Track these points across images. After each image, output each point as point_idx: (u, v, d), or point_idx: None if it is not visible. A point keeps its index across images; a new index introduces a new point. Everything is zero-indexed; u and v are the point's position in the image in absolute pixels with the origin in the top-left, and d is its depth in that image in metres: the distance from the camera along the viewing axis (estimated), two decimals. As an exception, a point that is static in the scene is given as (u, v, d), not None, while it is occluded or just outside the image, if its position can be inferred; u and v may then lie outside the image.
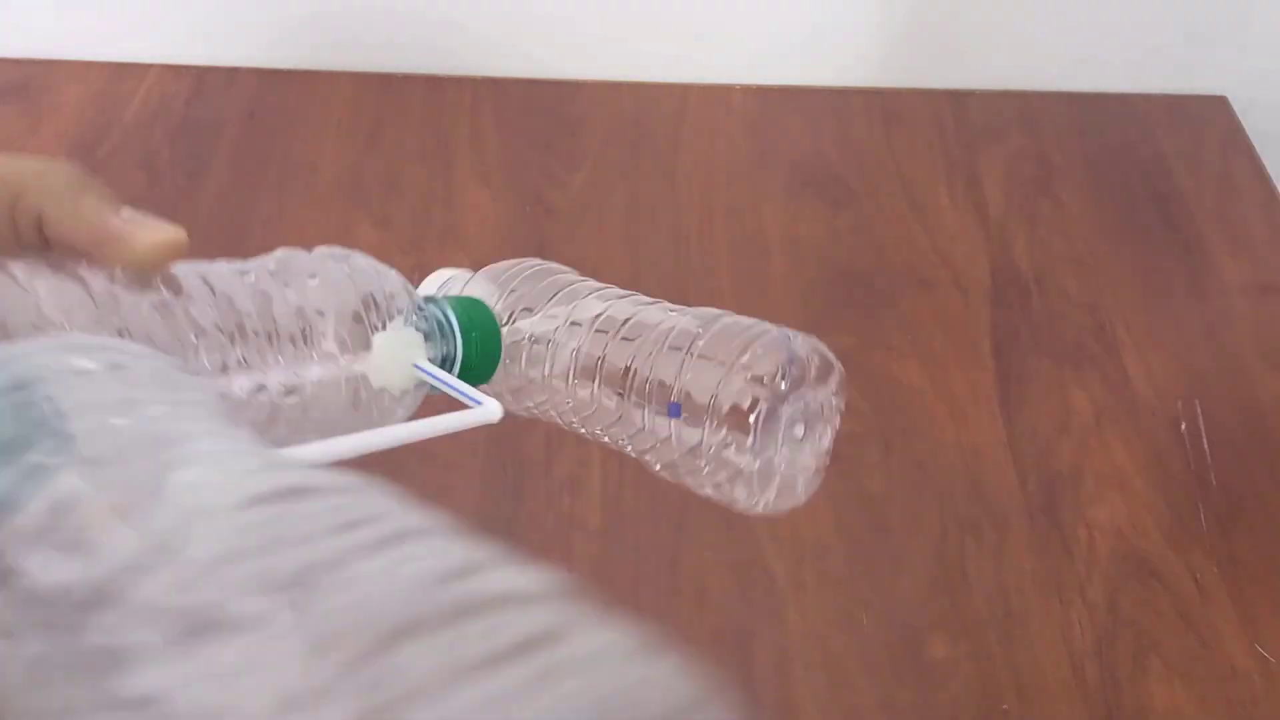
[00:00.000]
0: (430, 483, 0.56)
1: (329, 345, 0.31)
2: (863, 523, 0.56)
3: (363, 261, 0.34)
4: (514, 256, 0.39)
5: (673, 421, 0.35)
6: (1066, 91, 0.80)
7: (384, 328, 0.33)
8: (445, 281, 0.41)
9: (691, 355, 0.36)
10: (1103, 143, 0.77)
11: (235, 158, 0.73)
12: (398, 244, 0.68)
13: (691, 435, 0.36)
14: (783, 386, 0.35)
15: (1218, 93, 0.81)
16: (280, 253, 0.32)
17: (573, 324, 0.38)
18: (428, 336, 0.35)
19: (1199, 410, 0.61)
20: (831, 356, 0.36)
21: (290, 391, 0.30)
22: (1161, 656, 0.52)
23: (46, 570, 0.17)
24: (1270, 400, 0.62)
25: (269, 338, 0.30)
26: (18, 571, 0.17)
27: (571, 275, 0.41)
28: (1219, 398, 0.62)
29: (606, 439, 0.40)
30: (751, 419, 0.34)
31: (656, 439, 0.36)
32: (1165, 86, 0.81)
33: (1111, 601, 0.54)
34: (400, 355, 0.33)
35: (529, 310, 0.39)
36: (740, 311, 0.36)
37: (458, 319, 0.36)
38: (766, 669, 0.51)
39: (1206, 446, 0.60)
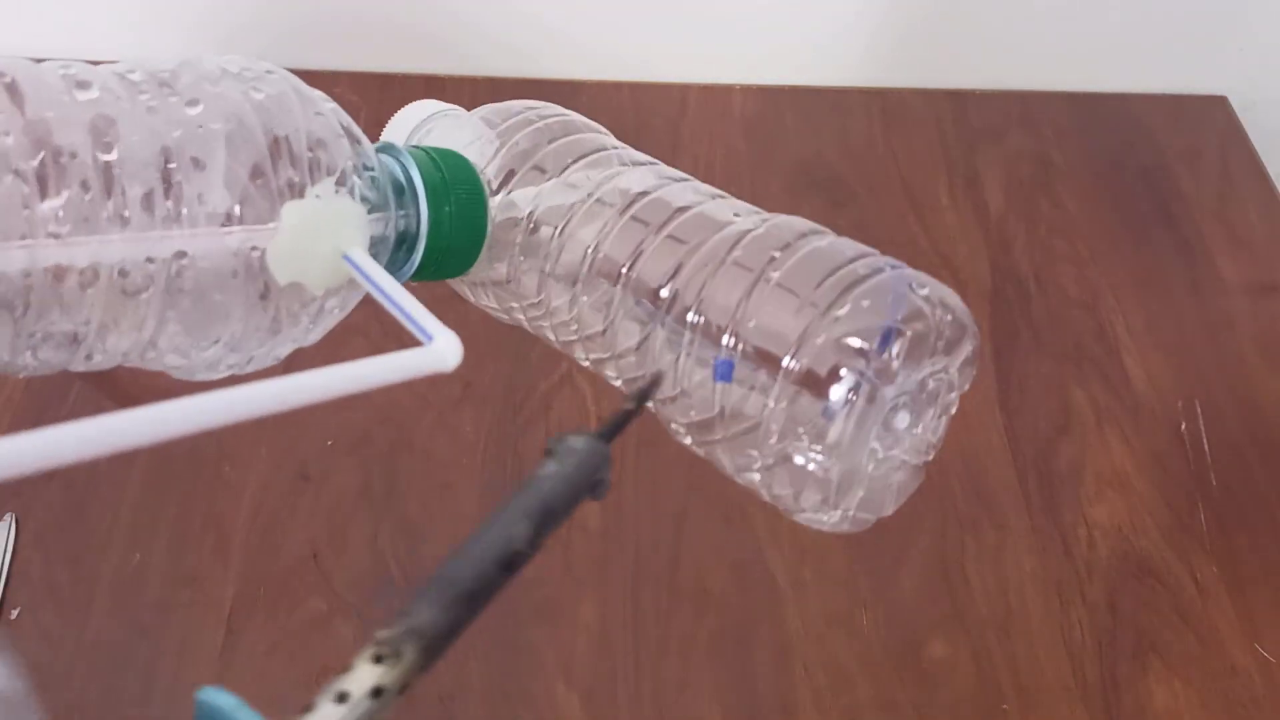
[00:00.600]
0: (430, 482, 0.56)
1: (201, 210, 0.21)
2: (863, 523, 0.56)
3: (286, 87, 0.23)
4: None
5: (719, 385, 0.25)
6: (1066, 91, 0.80)
7: (302, 193, 0.22)
8: (421, 123, 0.30)
9: (765, 284, 0.24)
10: (1103, 143, 0.77)
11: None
12: (398, 244, 0.68)
13: (745, 406, 0.25)
14: (894, 361, 0.23)
15: (1218, 93, 0.81)
16: (180, 61, 0.22)
17: (598, 202, 0.27)
18: (375, 207, 0.24)
19: (1199, 410, 0.61)
20: (966, 313, 0.26)
21: (146, 276, 0.20)
22: (1161, 656, 0.52)
23: None
24: (1270, 400, 0.62)
25: (105, 189, 0.19)
26: None
27: (604, 136, 0.29)
28: (1219, 398, 0.62)
29: (612, 376, 0.28)
30: (841, 407, 0.23)
31: (690, 399, 0.26)
32: (1165, 86, 0.81)
33: (1111, 601, 0.54)
34: (324, 237, 0.22)
35: (538, 173, 0.27)
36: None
37: (424, 182, 0.25)
38: (766, 669, 0.51)
39: (1206, 446, 0.60)
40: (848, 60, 0.80)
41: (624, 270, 0.25)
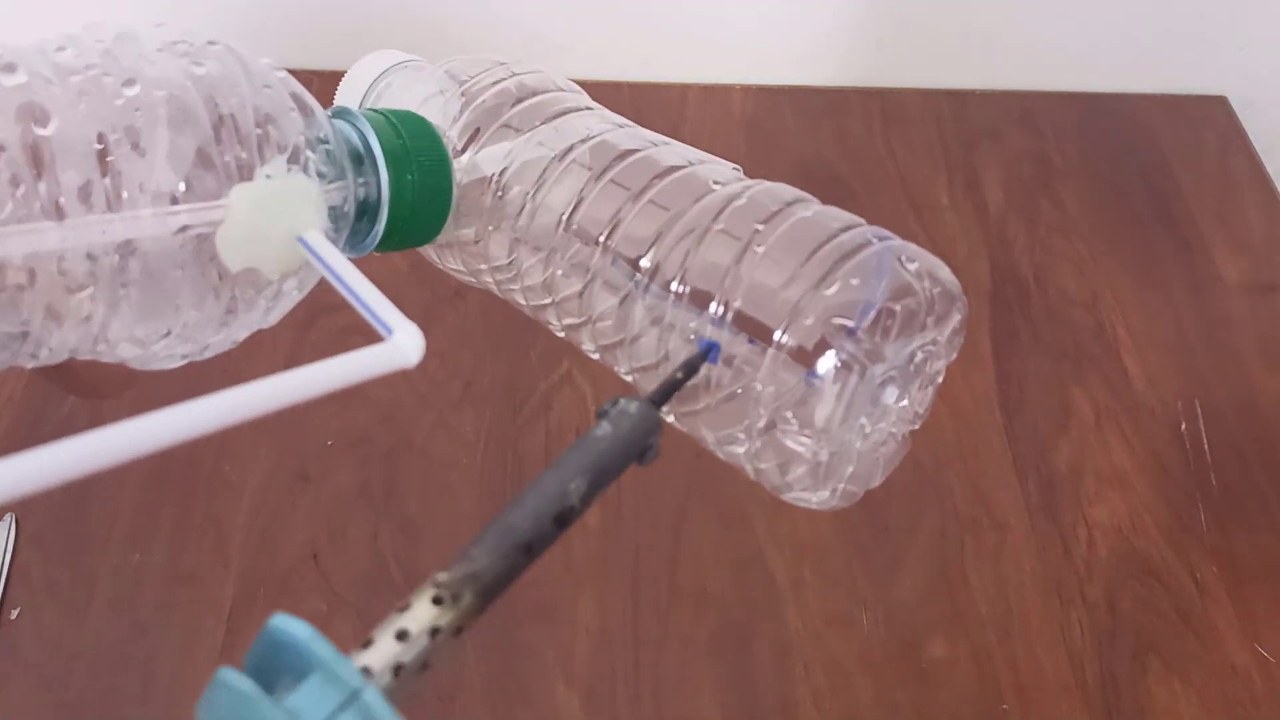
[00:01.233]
0: (430, 482, 0.56)
1: (143, 198, 0.19)
2: (863, 523, 0.56)
3: (230, 59, 0.21)
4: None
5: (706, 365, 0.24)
6: (1066, 91, 0.80)
7: (251, 174, 0.20)
8: (377, 79, 0.28)
9: (751, 257, 0.24)
10: (1103, 143, 0.77)
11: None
12: (398, 244, 0.68)
13: (730, 382, 0.24)
14: (884, 339, 0.23)
15: (1218, 93, 0.81)
16: (114, 35, 0.20)
17: (574, 163, 0.25)
18: (332, 178, 0.22)
19: (1199, 410, 0.61)
20: (954, 283, 0.25)
21: (88, 269, 0.19)
22: (1161, 656, 0.52)
23: None
24: (1270, 400, 0.62)
25: (38, 181, 0.18)
26: None
27: (578, 95, 0.28)
28: (1219, 398, 0.62)
29: (588, 347, 0.27)
30: (830, 390, 0.22)
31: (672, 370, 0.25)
32: (1165, 86, 0.81)
33: (1111, 601, 0.54)
34: (277, 220, 0.21)
35: (508, 131, 0.25)
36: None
37: (383, 149, 0.23)
38: (766, 669, 0.51)
39: (1206, 446, 0.60)
40: (848, 60, 0.80)
41: (602, 236, 0.25)
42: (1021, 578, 0.54)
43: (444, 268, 0.28)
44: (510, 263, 0.26)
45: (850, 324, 0.22)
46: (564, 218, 0.25)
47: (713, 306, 0.23)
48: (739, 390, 0.24)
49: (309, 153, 0.21)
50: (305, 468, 0.57)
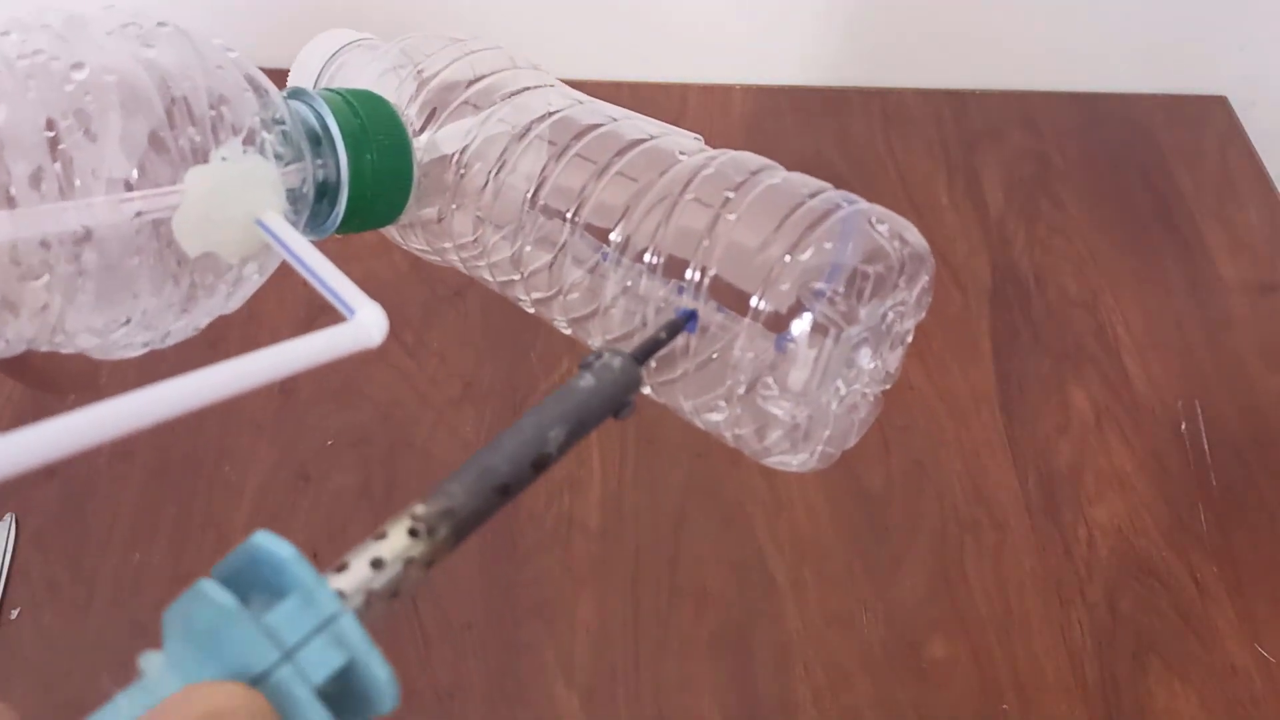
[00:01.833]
0: (430, 482, 0.56)
1: (96, 184, 0.18)
2: (863, 523, 0.56)
3: (181, 41, 0.20)
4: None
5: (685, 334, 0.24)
6: (1066, 91, 0.80)
7: (206, 156, 0.20)
8: (330, 58, 0.27)
9: (723, 226, 0.24)
10: (1103, 143, 0.77)
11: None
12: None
13: (706, 350, 0.24)
14: (858, 301, 0.23)
15: (1218, 93, 0.81)
16: (61, 18, 0.19)
17: (537, 138, 0.25)
18: (289, 160, 0.22)
19: (1199, 410, 0.61)
20: (923, 243, 0.25)
21: (43, 258, 0.18)
22: (1161, 656, 0.52)
23: None
24: (1270, 400, 0.62)
25: None
26: None
27: (537, 73, 0.28)
28: (1219, 398, 0.62)
29: (558, 321, 0.27)
30: (807, 353, 0.23)
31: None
32: (1165, 86, 0.81)
33: (1111, 601, 0.54)
34: (234, 203, 0.20)
35: (467, 109, 0.25)
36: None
37: (341, 129, 0.23)
38: (766, 669, 0.51)
39: (1206, 446, 0.60)
40: (848, 60, 0.80)
41: (570, 210, 0.25)
42: (1021, 578, 0.54)
43: (408, 247, 0.28)
44: (475, 240, 0.26)
45: (825, 287, 0.23)
46: (529, 194, 0.25)
47: (687, 274, 0.24)
48: (715, 357, 0.24)
49: (265, 134, 0.21)
50: (305, 468, 0.57)
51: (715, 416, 0.25)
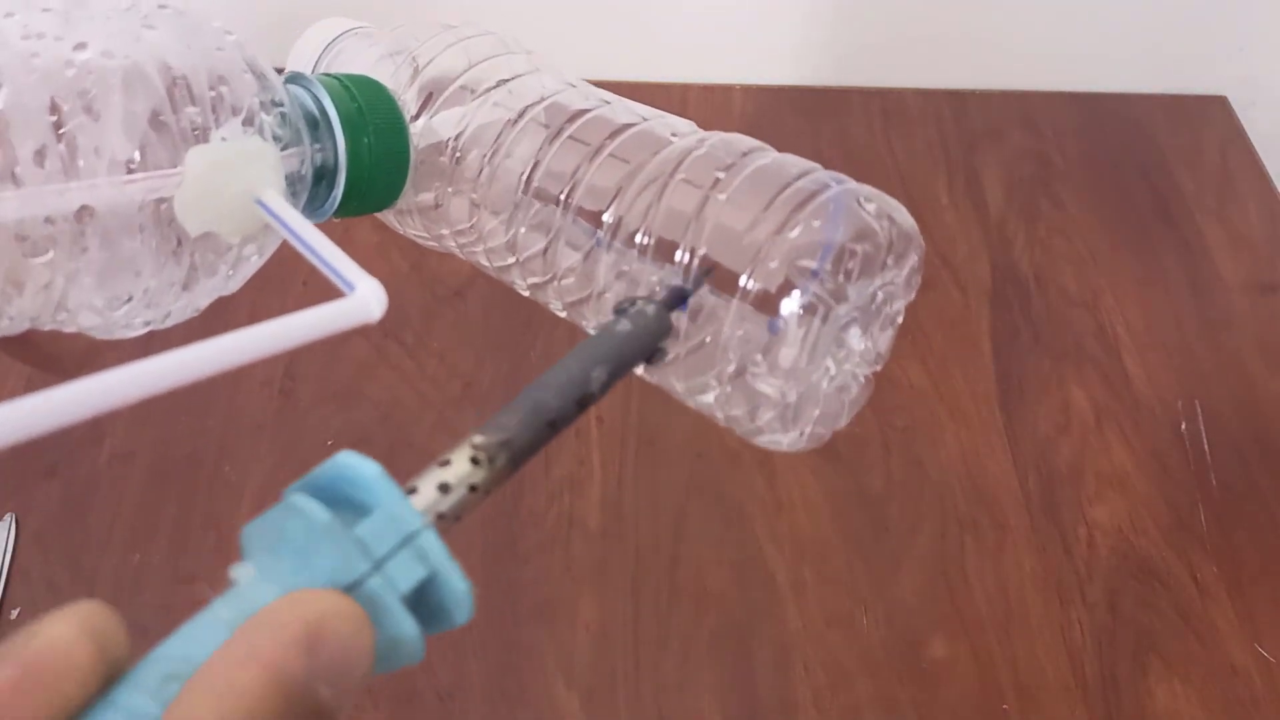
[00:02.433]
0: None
1: (99, 162, 0.19)
2: (863, 523, 0.56)
3: (181, 22, 0.21)
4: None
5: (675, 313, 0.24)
6: (1066, 91, 0.80)
7: (206, 136, 0.20)
8: (327, 46, 0.28)
9: (712, 206, 0.24)
10: (1103, 143, 0.77)
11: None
12: (396, 243, 0.68)
13: (697, 330, 0.25)
14: (846, 280, 0.23)
15: (1218, 93, 0.81)
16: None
17: (531, 122, 0.26)
18: (288, 143, 0.22)
19: (1199, 410, 0.61)
20: (911, 223, 0.25)
21: (47, 236, 0.18)
22: (1161, 656, 0.52)
23: None
24: (1270, 400, 0.62)
25: None
26: None
27: (530, 57, 0.28)
28: (1219, 398, 0.62)
29: (554, 305, 0.27)
30: (796, 331, 0.23)
31: None
32: (1165, 86, 0.81)
33: (1111, 601, 0.54)
34: (234, 182, 0.21)
35: (462, 94, 0.26)
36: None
37: (339, 112, 0.23)
38: (766, 669, 0.51)
39: (1206, 446, 0.60)
40: (848, 60, 0.80)
41: (563, 193, 0.25)
42: (1021, 578, 0.54)
43: (405, 233, 0.28)
44: (472, 226, 0.26)
45: (813, 266, 0.23)
46: (523, 177, 0.25)
47: (677, 255, 0.24)
48: (707, 338, 0.24)
49: (264, 115, 0.21)
50: (305, 468, 0.56)
51: (707, 397, 0.25)
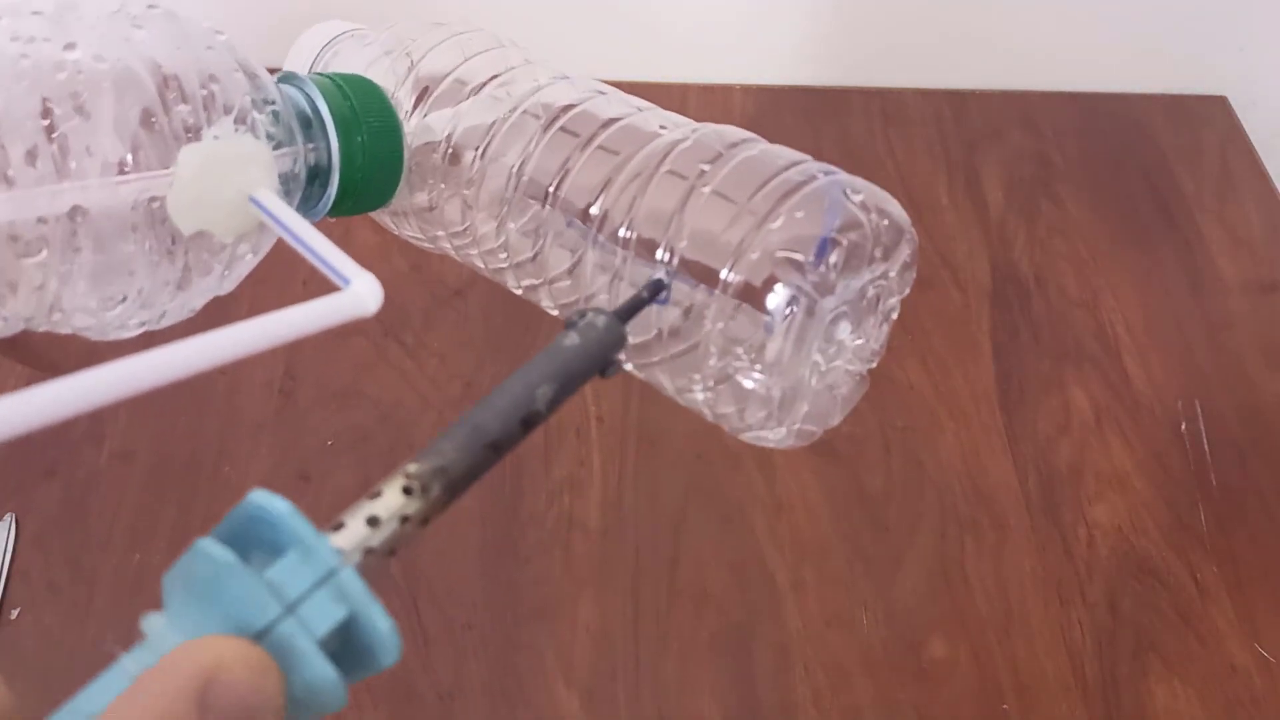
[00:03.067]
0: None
1: (91, 163, 0.19)
2: (862, 523, 0.56)
3: (171, 22, 0.21)
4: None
5: (656, 307, 0.24)
6: (1066, 91, 0.80)
7: (199, 135, 0.20)
8: (323, 48, 0.28)
9: (697, 198, 0.24)
10: (1103, 143, 0.77)
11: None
12: (397, 244, 0.68)
13: (683, 326, 0.24)
14: (831, 272, 0.23)
15: (1218, 93, 0.81)
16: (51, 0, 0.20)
17: (521, 116, 0.25)
18: (281, 143, 0.22)
19: (1199, 410, 0.61)
20: (903, 216, 0.25)
21: (40, 237, 0.18)
22: (1161, 656, 0.52)
23: None
24: (1270, 400, 0.62)
25: None
26: None
27: (521, 52, 0.28)
28: (1219, 398, 0.62)
29: (547, 305, 0.27)
30: (779, 323, 0.23)
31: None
32: (1165, 86, 0.81)
33: (1111, 601, 0.54)
34: (227, 181, 0.21)
35: (455, 92, 0.26)
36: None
37: (332, 111, 0.23)
38: (766, 669, 0.51)
39: (1206, 446, 0.60)
40: (848, 60, 0.80)
41: (551, 188, 0.25)
42: (1021, 578, 0.54)
43: (401, 235, 0.28)
44: (465, 229, 0.26)
45: (797, 257, 0.23)
46: (514, 172, 0.25)
47: (661, 252, 0.24)
48: (692, 332, 0.24)
49: (256, 114, 0.21)
50: (305, 468, 0.57)
51: (696, 395, 0.25)
